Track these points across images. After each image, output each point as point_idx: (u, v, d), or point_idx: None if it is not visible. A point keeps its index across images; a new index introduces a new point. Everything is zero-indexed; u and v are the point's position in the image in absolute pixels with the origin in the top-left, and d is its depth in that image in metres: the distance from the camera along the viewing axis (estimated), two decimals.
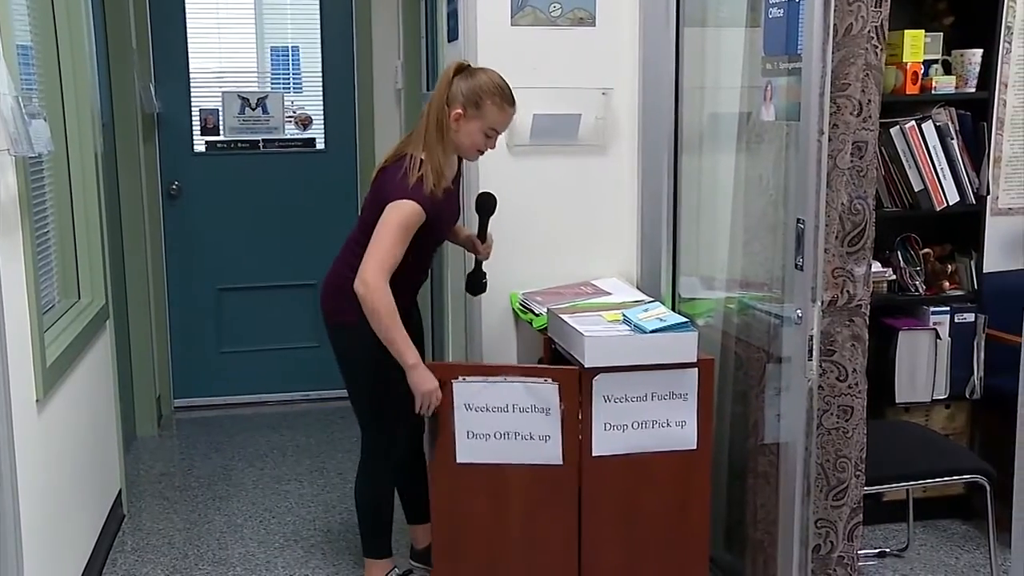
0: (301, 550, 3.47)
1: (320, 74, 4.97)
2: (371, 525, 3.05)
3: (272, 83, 4.96)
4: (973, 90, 3.40)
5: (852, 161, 2.61)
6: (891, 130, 3.32)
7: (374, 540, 3.06)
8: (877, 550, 3.39)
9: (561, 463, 2.64)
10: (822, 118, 2.38)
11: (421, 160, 2.72)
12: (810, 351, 2.43)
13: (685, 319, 2.71)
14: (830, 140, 2.51)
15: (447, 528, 2.78)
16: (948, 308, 3.44)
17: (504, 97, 2.76)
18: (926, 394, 3.42)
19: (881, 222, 2.83)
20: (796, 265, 2.44)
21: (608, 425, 2.61)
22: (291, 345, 5.05)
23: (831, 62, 2.40)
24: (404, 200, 2.66)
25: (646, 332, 2.61)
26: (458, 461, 2.70)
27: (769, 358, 2.76)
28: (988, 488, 2.89)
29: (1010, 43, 3.54)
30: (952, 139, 3.36)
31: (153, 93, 4.68)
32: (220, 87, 4.86)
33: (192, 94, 4.84)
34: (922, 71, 3.32)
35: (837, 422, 2.72)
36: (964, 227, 3.51)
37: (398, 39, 4.80)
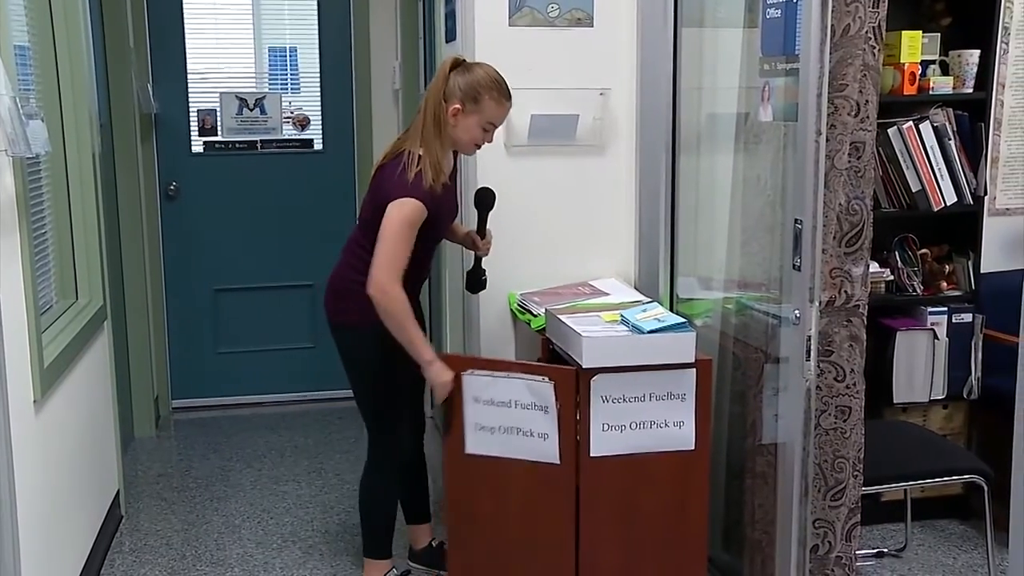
0: (299, 551, 3.47)
1: (318, 75, 4.97)
2: (373, 525, 3.06)
3: (270, 84, 4.96)
4: (971, 90, 3.41)
5: (850, 161, 2.61)
6: (889, 131, 3.33)
7: (375, 540, 3.07)
8: (875, 550, 3.39)
9: (558, 462, 2.65)
10: (820, 118, 2.38)
11: (419, 156, 2.73)
12: (808, 351, 2.43)
13: (683, 319, 2.70)
14: (828, 140, 2.51)
15: (458, 517, 2.84)
16: (946, 308, 3.44)
17: (502, 91, 2.78)
18: (924, 394, 3.42)
19: (879, 222, 2.83)
20: (794, 265, 2.44)
21: (606, 425, 2.61)
22: (289, 346, 5.05)
23: (829, 63, 2.39)
24: (405, 198, 2.67)
25: (644, 332, 2.61)
26: (466, 452, 2.75)
27: (767, 358, 2.76)
28: (986, 488, 2.89)
29: (1007, 43, 3.54)
30: (950, 139, 3.37)
31: (151, 93, 4.68)
32: (218, 87, 4.86)
33: (190, 94, 4.83)
34: (920, 71, 3.33)
35: (835, 422, 2.72)
36: (962, 227, 3.52)
37: (396, 40, 4.80)
